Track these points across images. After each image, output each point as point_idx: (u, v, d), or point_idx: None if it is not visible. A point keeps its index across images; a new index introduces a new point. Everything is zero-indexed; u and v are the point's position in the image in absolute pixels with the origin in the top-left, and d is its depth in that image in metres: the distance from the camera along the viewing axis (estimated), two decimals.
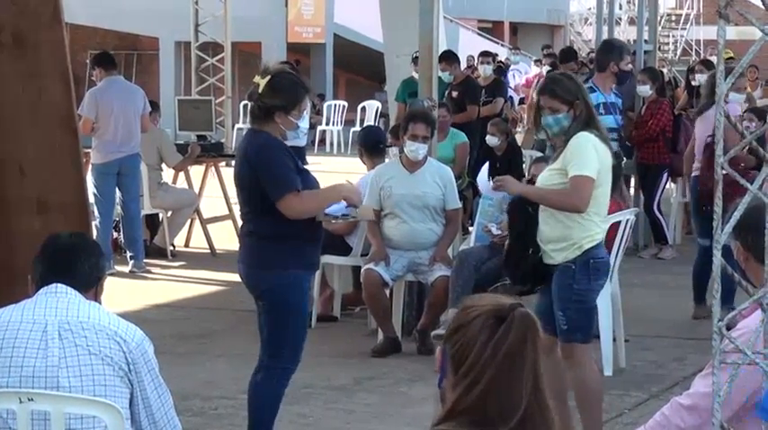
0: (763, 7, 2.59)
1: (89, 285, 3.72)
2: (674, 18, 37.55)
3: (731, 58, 16.62)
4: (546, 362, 2.37)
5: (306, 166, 11.27)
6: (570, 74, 6.16)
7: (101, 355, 3.54)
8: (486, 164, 6.79)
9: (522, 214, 5.73)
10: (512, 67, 23.01)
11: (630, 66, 8.90)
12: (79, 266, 3.70)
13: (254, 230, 5.45)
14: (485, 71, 14.16)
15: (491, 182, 5.87)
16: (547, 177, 5.60)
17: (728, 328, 2.43)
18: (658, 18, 15.62)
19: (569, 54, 13.28)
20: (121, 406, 3.55)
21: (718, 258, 2.05)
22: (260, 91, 5.31)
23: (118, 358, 3.56)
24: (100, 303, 3.77)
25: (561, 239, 5.52)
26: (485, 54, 14.84)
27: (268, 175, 5.29)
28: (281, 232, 5.33)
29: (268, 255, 5.38)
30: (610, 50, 8.77)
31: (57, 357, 3.52)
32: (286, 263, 5.35)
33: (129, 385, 3.59)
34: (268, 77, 5.32)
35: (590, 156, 5.46)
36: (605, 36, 12.83)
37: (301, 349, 5.48)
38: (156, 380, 3.64)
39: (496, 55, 24.08)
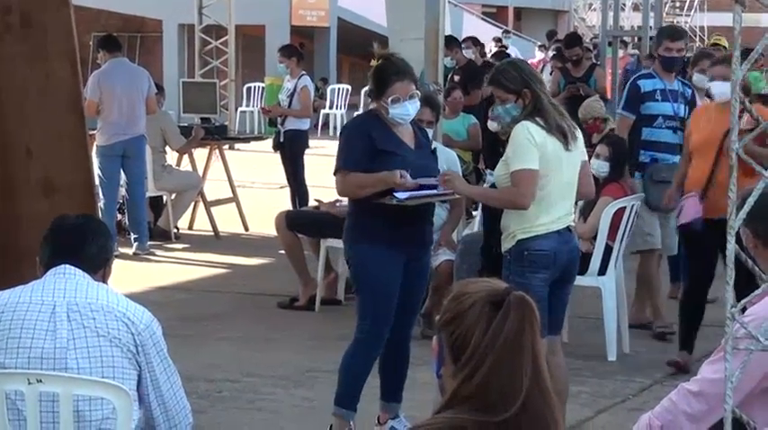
0: None
1: (97, 267, 3.72)
2: (678, 4, 37.47)
3: (716, 43, 16.56)
4: (550, 359, 2.37)
5: (308, 151, 11.24)
6: (518, 62, 5.91)
7: (109, 337, 3.54)
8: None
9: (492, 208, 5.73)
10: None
11: (681, 52, 8.45)
12: (87, 248, 3.70)
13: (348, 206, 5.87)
14: (467, 56, 14.16)
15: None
16: (497, 167, 5.57)
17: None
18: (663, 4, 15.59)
19: (574, 39, 13.26)
20: (129, 388, 3.55)
21: (732, 244, 2.05)
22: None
23: (126, 340, 3.56)
24: (107, 285, 3.77)
25: (504, 229, 5.51)
26: (465, 39, 14.88)
27: (337, 151, 5.63)
28: (357, 207, 5.67)
29: (347, 229, 5.71)
30: (656, 36, 8.66)
31: (65, 339, 3.52)
32: (355, 236, 5.64)
33: (138, 367, 3.59)
34: (376, 62, 5.63)
35: (525, 146, 5.33)
36: (610, 22, 12.80)
37: (381, 322, 5.62)
38: (164, 361, 3.64)
39: (499, 40, 24.06)
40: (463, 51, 14.32)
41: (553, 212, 5.44)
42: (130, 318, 3.58)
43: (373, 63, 5.64)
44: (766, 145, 7.06)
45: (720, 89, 7.15)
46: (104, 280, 3.76)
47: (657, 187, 7.87)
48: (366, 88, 5.72)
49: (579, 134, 5.58)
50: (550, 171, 5.39)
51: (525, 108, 5.43)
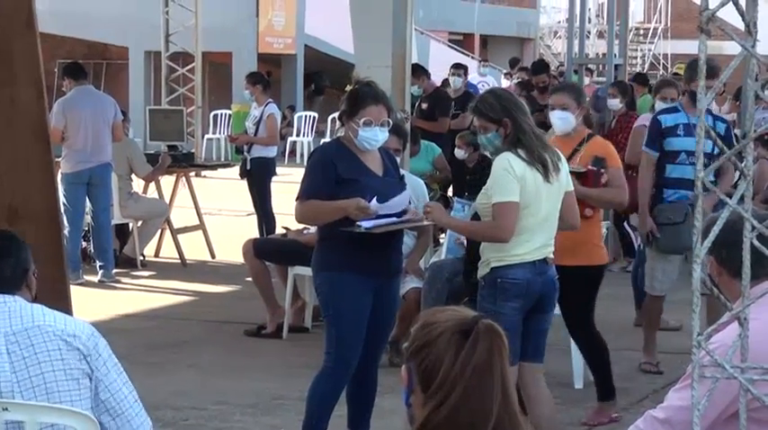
0: (734, 23, 2.62)
1: (19, 283, 3.62)
2: (641, 32, 37.79)
3: (677, 73, 16.74)
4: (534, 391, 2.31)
5: (275, 178, 11.21)
6: (499, 91, 5.83)
7: (51, 361, 3.47)
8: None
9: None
10: (480, 79, 23.07)
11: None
12: (2, 270, 3.60)
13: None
14: (455, 83, 14.18)
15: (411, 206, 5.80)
16: (479, 196, 5.58)
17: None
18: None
19: (541, 66, 13.35)
20: (84, 407, 3.50)
21: (697, 272, 2.06)
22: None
23: (70, 356, 3.49)
24: (33, 294, 3.68)
25: (481, 256, 5.52)
26: (456, 66, 14.87)
27: (301, 179, 5.67)
28: (325, 235, 5.66)
29: (315, 257, 5.72)
30: (687, 69, 7.89)
31: (8, 372, 3.45)
32: (324, 264, 5.64)
33: (89, 379, 3.53)
34: (353, 86, 5.68)
35: (504, 178, 5.33)
36: (576, 49, 12.88)
37: (349, 351, 5.62)
38: (112, 370, 3.54)
39: (467, 67, 24.16)
40: (451, 78, 14.34)
41: (531, 243, 5.44)
42: (70, 333, 3.51)
43: (348, 88, 5.67)
44: (601, 184, 6.57)
45: (558, 118, 6.65)
46: (30, 290, 3.67)
47: (662, 230, 7.52)
48: (332, 115, 5.75)
49: (563, 165, 5.56)
50: (530, 203, 5.38)
51: (507, 137, 5.44)
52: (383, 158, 5.75)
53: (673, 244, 7.46)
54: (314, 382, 5.74)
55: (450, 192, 11.87)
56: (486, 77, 23.46)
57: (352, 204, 5.50)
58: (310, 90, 25.61)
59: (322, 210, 5.57)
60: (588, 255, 6.54)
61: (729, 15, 2.53)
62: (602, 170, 6.55)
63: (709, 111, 7.54)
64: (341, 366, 5.63)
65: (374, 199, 5.52)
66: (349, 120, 5.59)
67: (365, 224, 5.49)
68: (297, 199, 5.63)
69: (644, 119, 9.39)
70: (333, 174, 5.52)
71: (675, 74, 16.07)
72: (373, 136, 5.59)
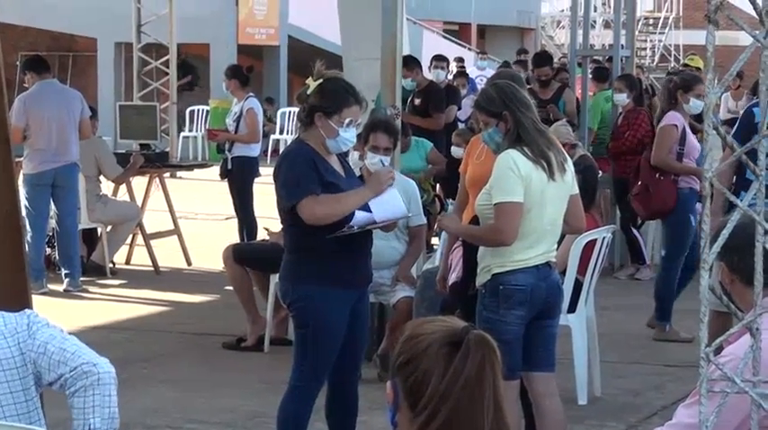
0: (749, 12, 2.63)
1: None
2: (651, 22, 37.85)
3: (687, 64, 16.72)
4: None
5: (258, 179, 11.20)
6: (501, 84, 5.66)
7: None
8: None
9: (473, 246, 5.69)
10: (478, 73, 23.06)
11: None
12: None
13: (285, 244, 5.70)
14: (437, 76, 14.18)
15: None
16: (479, 197, 5.57)
17: (715, 354, 2.45)
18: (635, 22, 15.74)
19: (544, 58, 13.33)
20: (27, 398, 3.55)
21: (705, 279, 2.07)
22: (308, 92, 5.52)
23: (5, 354, 3.52)
24: None
25: (479, 262, 5.52)
26: (438, 58, 14.88)
27: (283, 182, 5.49)
28: (303, 246, 5.53)
29: (290, 268, 5.62)
30: None
31: None
32: (304, 277, 5.54)
33: (30, 371, 3.56)
34: (320, 80, 5.52)
35: (508, 178, 5.32)
36: (580, 40, 12.89)
37: (323, 368, 5.62)
38: (49, 342, 3.59)
39: (460, 59, 24.20)
40: (433, 71, 14.35)
41: (534, 249, 5.44)
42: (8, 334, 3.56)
43: (311, 81, 5.53)
44: None
45: None
46: None
47: None
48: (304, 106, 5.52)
49: (569, 166, 5.55)
50: (534, 206, 5.38)
51: (507, 133, 5.44)
52: (339, 158, 5.74)
53: None
54: (284, 404, 5.68)
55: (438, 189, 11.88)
56: (484, 71, 23.44)
57: (383, 173, 5.62)
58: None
59: (346, 201, 5.45)
60: None
61: (743, 3, 2.53)
62: None
63: None
64: (313, 384, 5.63)
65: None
66: (327, 119, 5.48)
67: (357, 220, 5.47)
68: (300, 199, 5.38)
69: (672, 118, 9.18)
70: (318, 177, 5.48)
71: (686, 65, 16.09)
72: (351, 137, 5.58)
